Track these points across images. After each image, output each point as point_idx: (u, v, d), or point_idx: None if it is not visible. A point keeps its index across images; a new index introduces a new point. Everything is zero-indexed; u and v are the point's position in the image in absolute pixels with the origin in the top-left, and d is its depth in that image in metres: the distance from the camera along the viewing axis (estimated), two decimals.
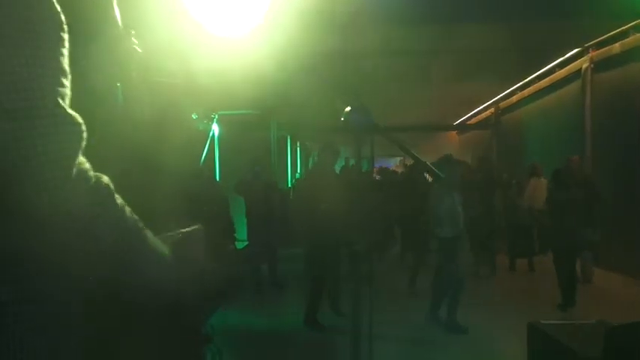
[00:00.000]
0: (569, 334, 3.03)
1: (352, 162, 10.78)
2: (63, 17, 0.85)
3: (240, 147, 9.74)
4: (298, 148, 15.57)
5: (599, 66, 8.61)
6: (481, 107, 14.74)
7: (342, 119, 1.35)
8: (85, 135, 0.83)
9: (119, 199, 0.93)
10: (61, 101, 0.80)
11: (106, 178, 0.90)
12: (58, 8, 0.84)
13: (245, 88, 8.24)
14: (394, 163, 21.13)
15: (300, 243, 6.33)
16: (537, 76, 10.80)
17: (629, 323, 2.51)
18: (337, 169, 7.45)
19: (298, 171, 15.31)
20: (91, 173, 0.86)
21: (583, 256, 7.19)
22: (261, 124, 11.05)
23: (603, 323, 3.13)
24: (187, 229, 1.19)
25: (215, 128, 9.97)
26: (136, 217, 0.96)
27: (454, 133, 18.19)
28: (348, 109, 1.33)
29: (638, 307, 5.51)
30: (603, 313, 3.92)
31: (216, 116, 9.49)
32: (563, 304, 5.71)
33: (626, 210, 7.55)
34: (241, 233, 7.28)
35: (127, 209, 0.94)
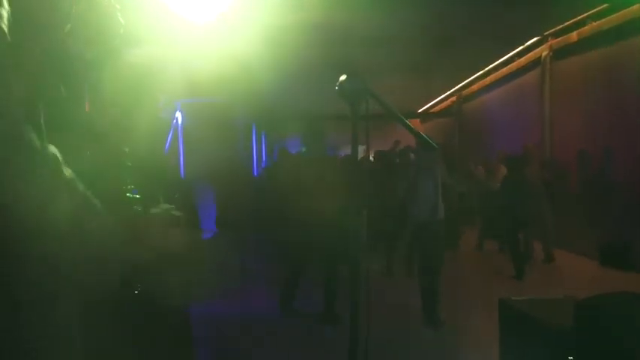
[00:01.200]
0: (539, 309, 3.12)
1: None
2: None
3: (205, 136, 9.58)
4: (264, 137, 15.48)
5: (557, 54, 8.88)
6: (444, 95, 14.97)
7: (337, 87, 1.33)
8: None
9: (68, 171, 0.94)
10: None
11: (52, 148, 0.92)
12: None
13: (210, 76, 8.10)
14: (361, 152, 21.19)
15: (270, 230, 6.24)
16: (498, 64, 11.04)
17: (597, 295, 2.61)
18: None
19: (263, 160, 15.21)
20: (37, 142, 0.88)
21: (544, 237, 7.49)
22: (226, 113, 10.90)
23: (571, 298, 3.24)
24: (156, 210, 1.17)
25: (178, 116, 9.75)
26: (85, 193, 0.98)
27: (417, 121, 18.43)
28: (343, 77, 1.32)
29: (599, 284, 5.76)
30: (567, 291, 4.06)
31: (179, 105, 9.29)
32: (516, 276, 6.47)
33: (585, 194, 7.85)
34: (207, 223, 7.18)
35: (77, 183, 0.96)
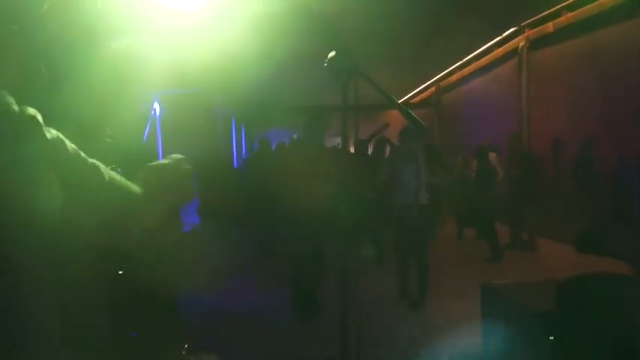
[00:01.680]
0: (521, 292, 3.18)
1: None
2: None
3: (184, 128, 9.46)
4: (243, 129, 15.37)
5: (534, 44, 9.00)
6: (423, 86, 15.06)
7: (326, 64, 1.32)
8: None
9: (49, 133, 0.92)
10: None
11: (31, 110, 0.90)
12: None
13: (189, 68, 7.98)
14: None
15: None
16: (476, 55, 11.15)
17: (578, 276, 2.67)
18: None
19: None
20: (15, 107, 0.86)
21: (527, 226, 7.64)
22: (206, 105, 10.78)
23: (552, 281, 3.31)
24: (166, 161, 1.13)
25: (157, 108, 9.60)
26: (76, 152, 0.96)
27: (397, 112, 18.53)
28: (332, 53, 1.31)
29: (577, 268, 5.87)
30: (547, 276, 4.14)
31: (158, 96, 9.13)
32: (492, 257, 6.86)
33: (563, 183, 8.00)
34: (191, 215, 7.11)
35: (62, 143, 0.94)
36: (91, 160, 0.97)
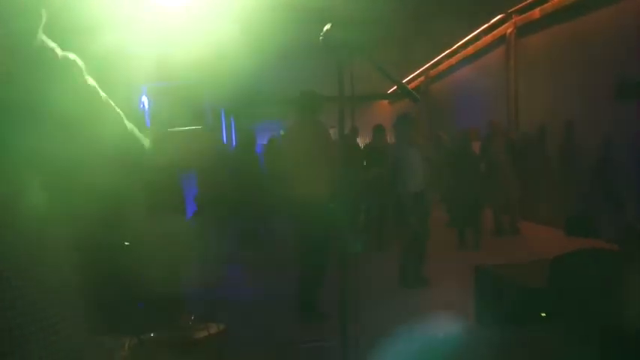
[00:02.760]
0: (513, 272, 3.24)
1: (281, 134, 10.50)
2: None
3: (172, 120, 9.40)
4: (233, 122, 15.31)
5: (521, 31, 9.05)
6: (412, 76, 15.08)
7: (321, 38, 1.31)
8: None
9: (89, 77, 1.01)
10: None
11: (73, 55, 1.00)
12: None
13: (177, 60, 7.92)
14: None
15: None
16: (464, 42, 11.18)
17: (569, 252, 2.72)
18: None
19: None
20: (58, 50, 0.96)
21: (509, 210, 7.72)
22: (195, 97, 10.71)
23: (542, 261, 3.37)
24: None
25: (145, 101, 9.55)
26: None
27: (387, 102, 18.55)
28: (328, 26, 1.30)
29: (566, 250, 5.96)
30: (536, 257, 4.20)
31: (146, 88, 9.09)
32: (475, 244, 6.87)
33: (548, 168, 8.10)
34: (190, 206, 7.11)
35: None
36: (117, 109, 1.03)
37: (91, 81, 0.99)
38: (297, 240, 4.43)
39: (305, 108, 4.47)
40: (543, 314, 2.75)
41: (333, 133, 4.86)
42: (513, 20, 9.14)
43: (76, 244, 0.94)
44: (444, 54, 12.44)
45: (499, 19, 9.50)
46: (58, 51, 0.96)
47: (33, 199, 0.88)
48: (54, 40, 1.47)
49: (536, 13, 8.38)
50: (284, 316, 4.47)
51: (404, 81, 15.81)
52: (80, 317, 0.96)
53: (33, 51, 0.90)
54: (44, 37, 0.94)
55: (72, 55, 0.98)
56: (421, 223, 5.00)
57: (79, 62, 0.98)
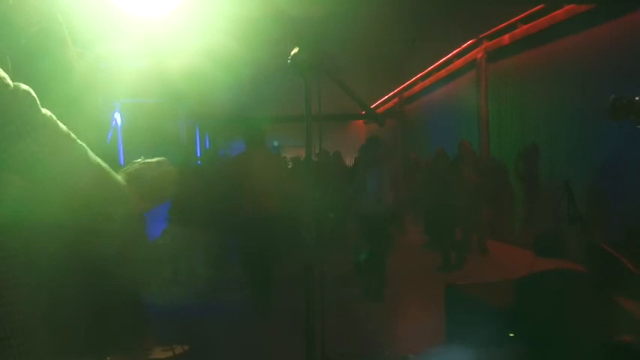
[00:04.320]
0: (483, 292, 3.28)
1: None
2: None
3: (146, 138, 9.31)
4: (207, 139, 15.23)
5: (491, 56, 9.32)
6: (386, 97, 15.33)
7: (289, 61, 1.34)
8: None
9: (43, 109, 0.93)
10: None
11: (25, 86, 0.91)
12: None
13: (151, 76, 7.88)
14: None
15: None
16: (437, 66, 11.45)
17: (537, 273, 2.78)
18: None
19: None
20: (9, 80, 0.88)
21: (478, 231, 7.85)
22: (169, 115, 10.65)
23: (511, 281, 3.43)
24: (150, 160, 1.15)
25: (117, 117, 9.44)
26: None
27: (362, 123, 18.76)
28: (295, 49, 1.33)
29: (535, 269, 6.07)
30: (506, 277, 4.27)
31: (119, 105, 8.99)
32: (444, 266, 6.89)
33: (517, 187, 8.28)
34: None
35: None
36: (80, 142, 0.97)
37: (46, 112, 0.92)
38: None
39: (252, 138, 4.91)
40: (511, 334, 2.79)
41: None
42: (484, 45, 9.42)
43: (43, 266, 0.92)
44: (417, 76, 12.70)
45: (470, 44, 9.78)
46: (8, 81, 0.87)
47: None
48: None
49: (506, 38, 8.66)
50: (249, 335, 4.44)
51: (380, 101, 16.05)
52: (45, 339, 0.94)
53: None
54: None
55: (24, 86, 0.90)
56: (377, 243, 5.15)
57: (32, 94, 0.90)
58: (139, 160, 1.16)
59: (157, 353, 1.85)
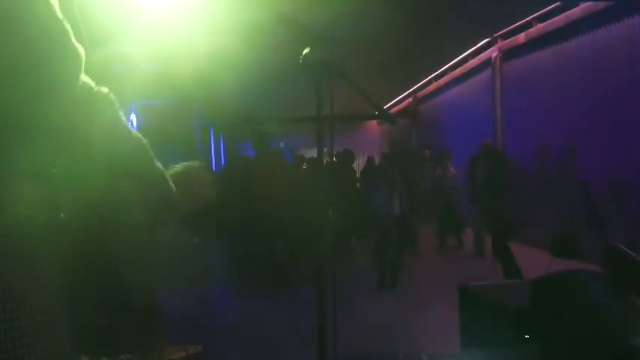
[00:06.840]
0: (497, 293, 3.25)
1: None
2: None
3: (163, 138, 9.38)
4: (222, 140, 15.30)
5: (506, 55, 9.23)
6: (400, 97, 15.27)
7: (301, 61, 1.34)
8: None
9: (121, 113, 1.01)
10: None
11: (105, 89, 0.98)
12: None
13: (167, 78, 7.94)
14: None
15: None
16: (451, 65, 11.37)
17: (550, 275, 2.75)
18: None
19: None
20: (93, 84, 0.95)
21: (475, 230, 7.79)
22: (184, 116, 10.72)
23: (526, 282, 3.39)
24: (187, 164, 1.17)
25: (133, 119, 9.51)
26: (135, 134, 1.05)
27: (375, 123, 18.72)
28: (307, 49, 1.34)
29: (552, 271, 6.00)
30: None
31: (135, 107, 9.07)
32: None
33: (535, 189, 8.19)
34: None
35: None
36: (148, 147, 1.03)
37: (123, 116, 1.00)
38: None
39: (255, 145, 5.55)
40: (527, 336, 2.76)
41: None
42: (499, 44, 9.33)
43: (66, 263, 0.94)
44: (431, 76, 12.63)
45: (485, 43, 9.70)
46: (95, 88, 0.95)
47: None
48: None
49: (521, 37, 8.57)
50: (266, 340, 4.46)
51: (394, 101, 15.99)
52: (65, 338, 0.95)
53: (75, 92, 0.89)
54: (85, 78, 0.92)
55: (104, 89, 0.97)
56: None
57: (112, 96, 0.98)
58: (181, 164, 1.19)
59: (170, 353, 1.87)
